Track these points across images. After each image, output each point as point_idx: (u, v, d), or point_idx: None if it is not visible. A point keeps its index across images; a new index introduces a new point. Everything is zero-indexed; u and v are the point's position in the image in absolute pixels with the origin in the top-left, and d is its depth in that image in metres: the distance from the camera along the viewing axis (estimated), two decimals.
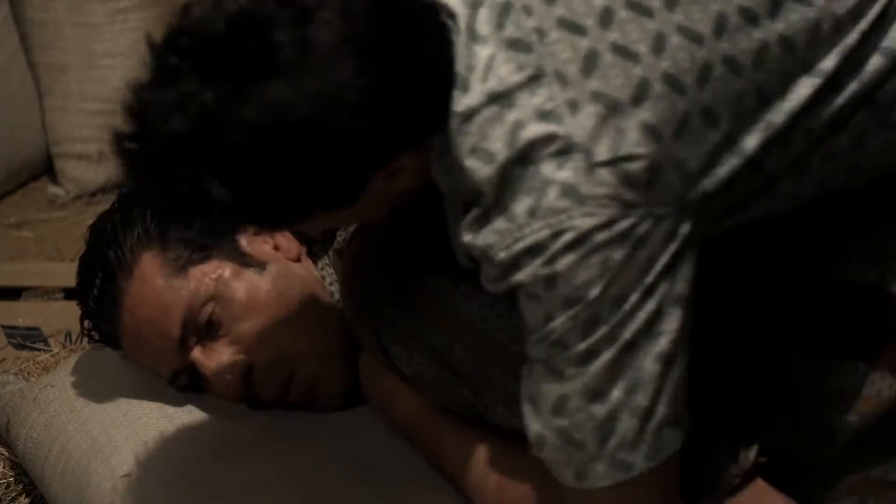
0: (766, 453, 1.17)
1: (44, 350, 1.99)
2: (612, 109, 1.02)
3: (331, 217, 1.10)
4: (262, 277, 1.37)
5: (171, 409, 1.40)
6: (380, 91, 1.00)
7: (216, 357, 1.34)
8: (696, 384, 1.09)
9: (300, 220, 1.08)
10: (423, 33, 1.04)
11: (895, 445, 1.20)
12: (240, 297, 1.35)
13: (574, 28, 1.03)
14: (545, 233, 1.01)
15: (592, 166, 1.01)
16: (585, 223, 1.01)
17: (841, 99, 1.08)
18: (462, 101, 1.03)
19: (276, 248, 1.42)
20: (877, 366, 1.18)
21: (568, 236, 1.01)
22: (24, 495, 1.60)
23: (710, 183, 1.05)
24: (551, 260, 1.02)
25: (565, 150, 1.01)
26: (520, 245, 1.02)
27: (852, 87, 1.08)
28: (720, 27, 1.05)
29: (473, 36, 1.04)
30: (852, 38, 1.08)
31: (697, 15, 1.05)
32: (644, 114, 1.02)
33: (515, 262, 1.03)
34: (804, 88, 1.07)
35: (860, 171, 1.13)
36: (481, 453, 1.23)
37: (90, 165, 2.56)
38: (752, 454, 1.16)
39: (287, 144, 0.99)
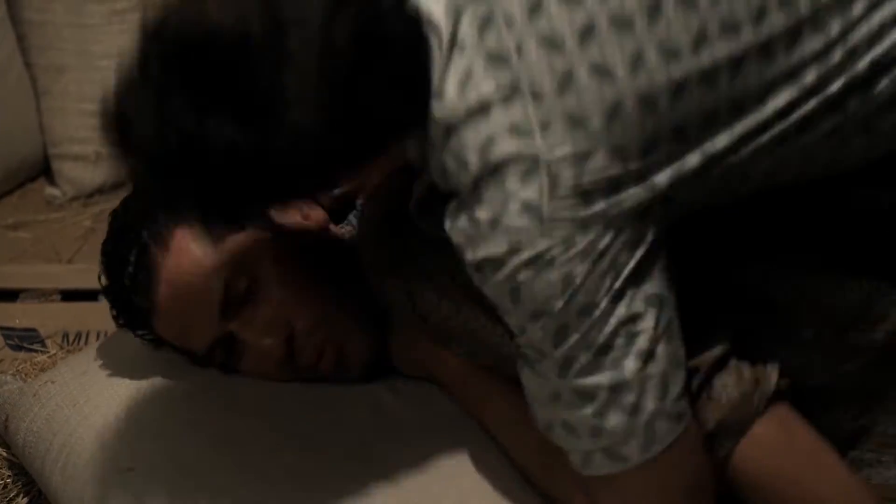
0: (788, 375, 1.17)
1: (41, 351, 1.99)
2: (583, 129, 1.02)
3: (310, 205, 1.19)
4: (294, 245, 1.39)
5: (174, 404, 1.40)
6: (350, 101, 1.01)
7: (257, 321, 1.35)
8: (709, 303, 1.11)
9: (281, 196, 1.11)
10: (402, 49, 1.04)
11: None
12: (275, 264, 1.37)
13: (552, 45, 1.03)
14: (503, 247, 1.03)
15: (556, 187, 1.02)
16: (543, 243, 1.02)
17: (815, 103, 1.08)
18: (441, 111, 1.04)
19: (306, 217, 1.44)
20: None
21: (525, 254, 1.02)
22: (21, 496, 1.59)
23: (677, 190, 1.06)
24: (511, 275, 1.03)
25: (532, 169, 1.02)
26: (480, 253, 1.04)
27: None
28: (699, 41, 1.04)
29: (454, 46, 1.04)
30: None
31: (677, 28, 1.04)
32: (615, 134, 1.02)
33: (480, 268, 1.05)
34: (783, 96, 1.06)
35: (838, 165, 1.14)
36: (526, 427, 1.21)
37: (87, 166, 2.55)
38: (774, 376, 1.16)
39: (260, 153, 1.00)
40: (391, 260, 1.30)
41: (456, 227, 1.06)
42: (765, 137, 1.07)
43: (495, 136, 1.02)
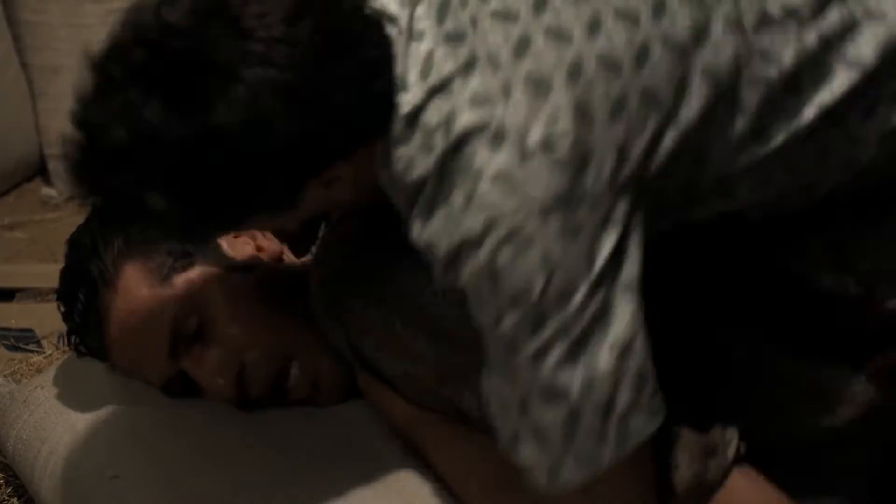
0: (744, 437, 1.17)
1: (37, 352, 1.99)
2: (545, 91, 1.01)
3: (274, 219, 1.12)
4: (247, 279, 1.37)
5: (160, 411, 1.40)
6: (310, 104, 1.01)
7: (207, 363, 1.34)
8: (671, 375, 1.09)
9: (241, 224, 1.10)
10: (361, 45, 1.04)
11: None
12: (226, 301, 1.34)
13: (507, 16, 1.03)
14: (479, 223, 1.01)
15: (525, 152, 1.00)
16: (519, 213, 1.00)
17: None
18: (406, 101, 1.03)
19: (259, 249, 1.41)
20: (860, 372, 1.18)
21: (503, 229, 1.00)
22: (15, 497, 1.60)
23: (650, 165, 1.04)
24: (491, 257, 1.01)
25: (499, 136, 1.01)
26: (457, 237, 1.02)
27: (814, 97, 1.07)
28: (658, 8, 1.04)
29: (412, 35, 1.04)
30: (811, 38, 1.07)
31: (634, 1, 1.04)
32: (577, 94, 1.01)
33: (456, 257, 1.03)
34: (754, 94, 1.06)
35: (819, 186, 1.12)
36: (464, 455, 1.23)
37: None
38: (733, 445, 1.15)
39: (221, 157, 1.00)
40: (333, 303, 1.26)
41: (425, 231, 1.04)
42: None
43: (457, 109, 1.02)
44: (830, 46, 1.07)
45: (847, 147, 1.10)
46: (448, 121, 1.02)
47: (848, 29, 1.07)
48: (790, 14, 1.07)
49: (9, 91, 2.58)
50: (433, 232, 1.04)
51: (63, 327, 1.98)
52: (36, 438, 1.44)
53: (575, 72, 1.01)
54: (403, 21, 1.05)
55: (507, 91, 1.01)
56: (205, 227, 1.10)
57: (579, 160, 1.01)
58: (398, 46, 1.04)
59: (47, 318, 2.08)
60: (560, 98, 1.01)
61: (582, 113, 1.01)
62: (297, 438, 1.35)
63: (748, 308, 1.20)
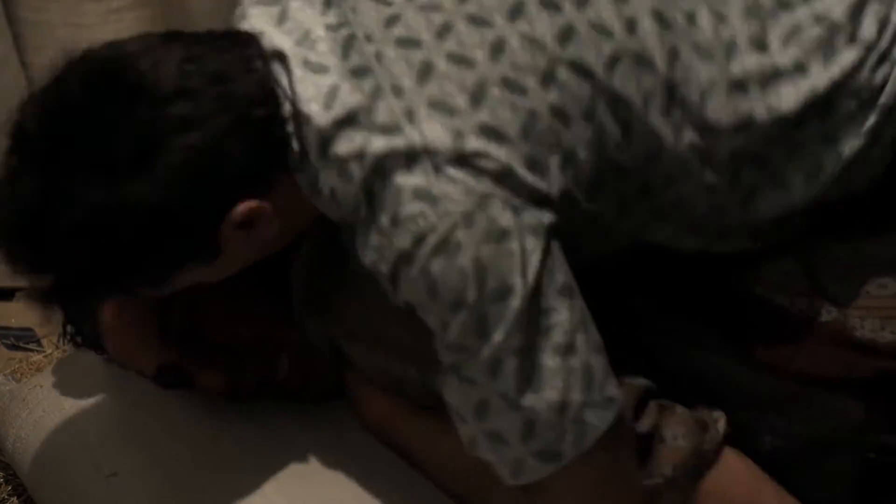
0: None
1: (37, 351, 1.99)
2: (448, 113, 1.04)
3: (202, 273, 1.13)
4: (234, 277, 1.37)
5: (157, 409, 1.40)
6: (197, 156, 1.04)
7: (197, 353, 1.34)
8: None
9: (164, 282, 1.12)
10: (241, 84, 1.06)
11: None
12: (215, 292, 1.31)
13: (409, 43, 1.06)
14: (407, 240, 1.03)
15: (439, 166, 1.03)
16: (444, 224, 1.02)
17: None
18: (311, 133, 1.05)
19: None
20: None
21: (430, 241, 1.03)
22: (15, 496, 1.61)
23: (569, 179, 1.06)
24: (424, 268, 1.03)
25: (411, 157, 1.03)
26: (392, 255, 1.05)
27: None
28: (565, 35, 1.07)
29: (313, 69, 1.06)
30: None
31: (539, 23, 1.07)
32: (482, 116, 1.04)
33: (395, 274, 1.06)
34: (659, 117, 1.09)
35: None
36: (444, 448, 1.23)
37: None
38: (721, 422, 1.17)
39: (113, 229, 1.04)
40: (311, 300, 1.29)
41: (366, 253, 1.07)
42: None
43: (367, 140, 1.04)
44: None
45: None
46: (361, 151, 1.04)
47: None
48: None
49: (8, 90, 2.55)
50: (373, 254, 1.07)
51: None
52: (35, 437, 1.44)
53: (478, 95, 1.04)
54: (297, 58, 1.07)
55: (410, 115, 1.04)
56: (127, 289, 1.13)
57: (495, 172, 1.04)
58: (295, 82, 1.06)
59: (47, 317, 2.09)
60: (465, 119, 1.04)
61: (490, 132, 1.04)
62: (292, 437, 1.36)
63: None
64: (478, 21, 1.07)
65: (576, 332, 1.06)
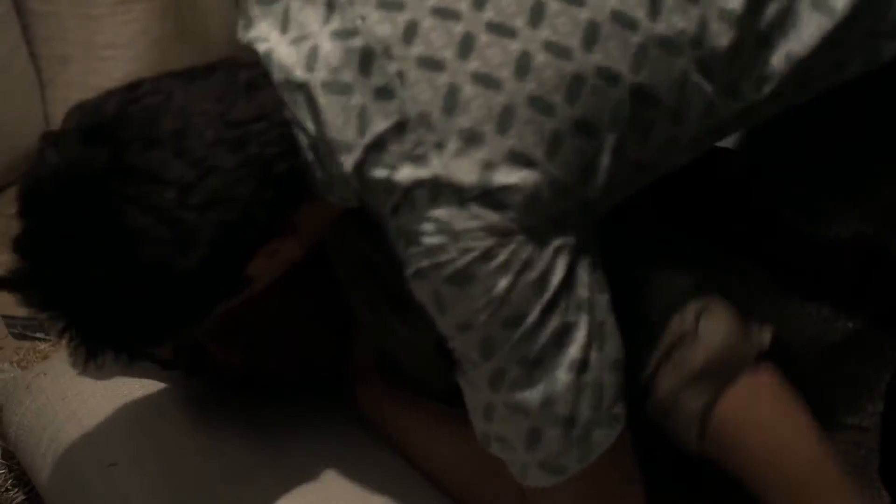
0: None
1: (43, 339, 1.99)
2: (478, 143, 1.01)
3: (237, 301, 1.15)
4: None
5: (160, 400, 1.41)
6: (218, 208, 1.04)
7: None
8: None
9: (204, 319, 1.14)
10: (259, 141, 1.06)
11: None
12: None
13: (432, 65, 1.03)
14: (426, 264, 1.03)
15: (464, 201, 1.02)
16: (462, 259, 1.02)
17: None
18: (348, 160, 1.04)
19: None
20: None
21: (446, 271, 1.03)
22: (17, 489, 1.62)
23: (591, 192, 1.05)
24: (436, 290, 1.04)
25: (436, 189, 1.02)
26: (409, 269, 1.05)
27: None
28: (590, 37, 1.03)
29: (335, 90, 1.04)
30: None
31: (564, 28, 1.03)
32: (511, 141, 1.02)
33: (409, 279, 1.06)
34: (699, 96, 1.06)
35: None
36: (448, 442, 1.24)
37: None
38: (768, 333, 1.13)
39: (143, 278, 1.06)
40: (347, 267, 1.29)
41: (409, 266, 1.07)
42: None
43: (396, 167, 1.03)
44: None
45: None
46: (389, 178, 1.03)
47: None
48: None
49: (17, 81, 2.58)
50: (403, 252, 1.07)
51: None
52: (37, 425, 1.45)
53: (506, 119, 1.02)
54: (315, 83, 1.04)
55: (440, 146, 1.02)
56: (165, 332, 1.15)
57: (521, 203, 1.02)
58: (320, 111, 1.04)
59: None
60: (494, 146, 1.02)
61: (520, 158, 1.02)
62: (294, 431, 1.36)
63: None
64: (500, 30, 1.03)
65: (591, 348, 1.05)
